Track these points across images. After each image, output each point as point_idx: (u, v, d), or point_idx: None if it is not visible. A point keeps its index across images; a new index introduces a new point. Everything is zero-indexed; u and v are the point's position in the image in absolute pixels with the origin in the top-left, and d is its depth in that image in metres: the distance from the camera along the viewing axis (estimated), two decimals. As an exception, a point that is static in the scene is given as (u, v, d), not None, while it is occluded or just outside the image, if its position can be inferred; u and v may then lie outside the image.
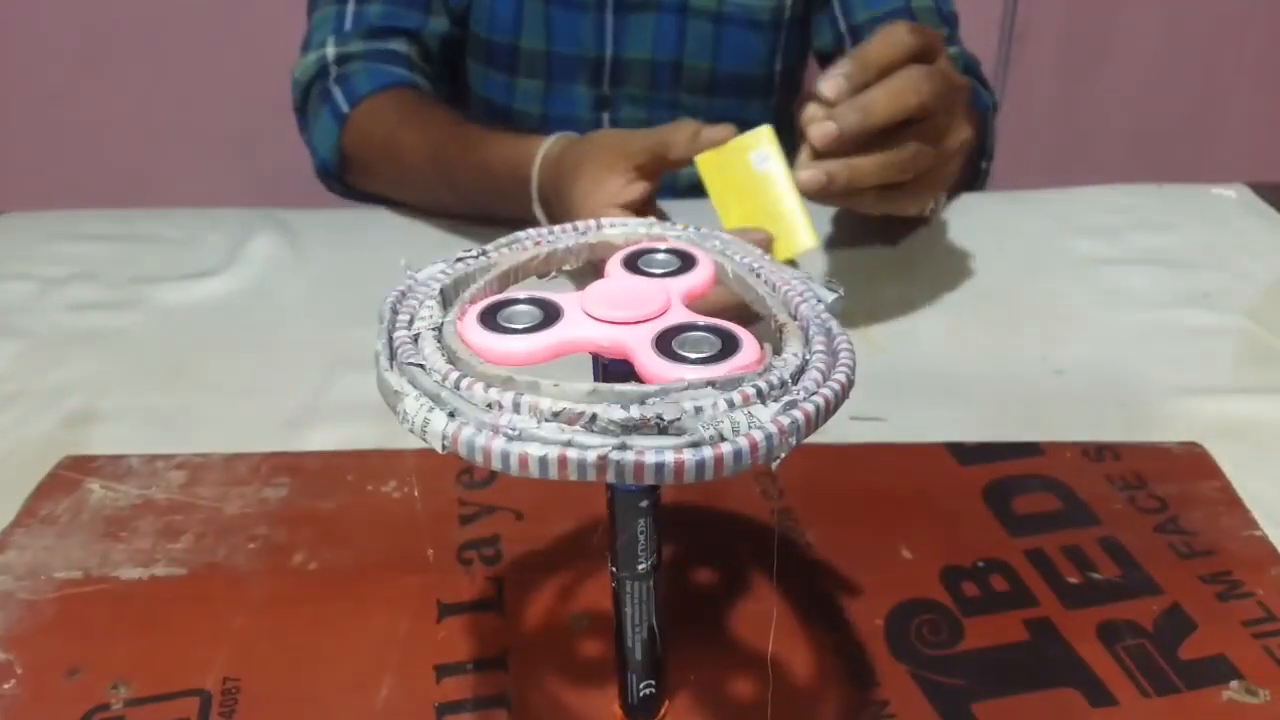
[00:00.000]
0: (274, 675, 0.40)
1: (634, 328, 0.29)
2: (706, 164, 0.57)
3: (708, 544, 0.46)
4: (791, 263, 0.35)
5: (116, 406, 0.57)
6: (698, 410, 0.25)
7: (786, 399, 0.27)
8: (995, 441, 0.53)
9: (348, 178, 0.83)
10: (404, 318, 0.30)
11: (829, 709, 0.39)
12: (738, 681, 0.40)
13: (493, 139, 0.71)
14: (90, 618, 0.43)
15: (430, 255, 0.33)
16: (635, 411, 0.25)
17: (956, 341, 0.63)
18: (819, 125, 0.53)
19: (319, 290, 0.70)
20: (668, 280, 0.32)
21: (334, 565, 0.46)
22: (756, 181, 0.56)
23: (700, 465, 0.25)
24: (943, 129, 0.56)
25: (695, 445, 0.25)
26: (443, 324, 0.30)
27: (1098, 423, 0.55)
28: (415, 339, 0.29)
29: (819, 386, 0.27)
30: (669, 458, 0.25)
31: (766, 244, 0.54)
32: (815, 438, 0.27)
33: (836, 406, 0.27)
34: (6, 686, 0.40)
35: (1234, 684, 0.39)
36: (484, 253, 0.34)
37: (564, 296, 0.31)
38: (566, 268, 0.35)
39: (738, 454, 0.25)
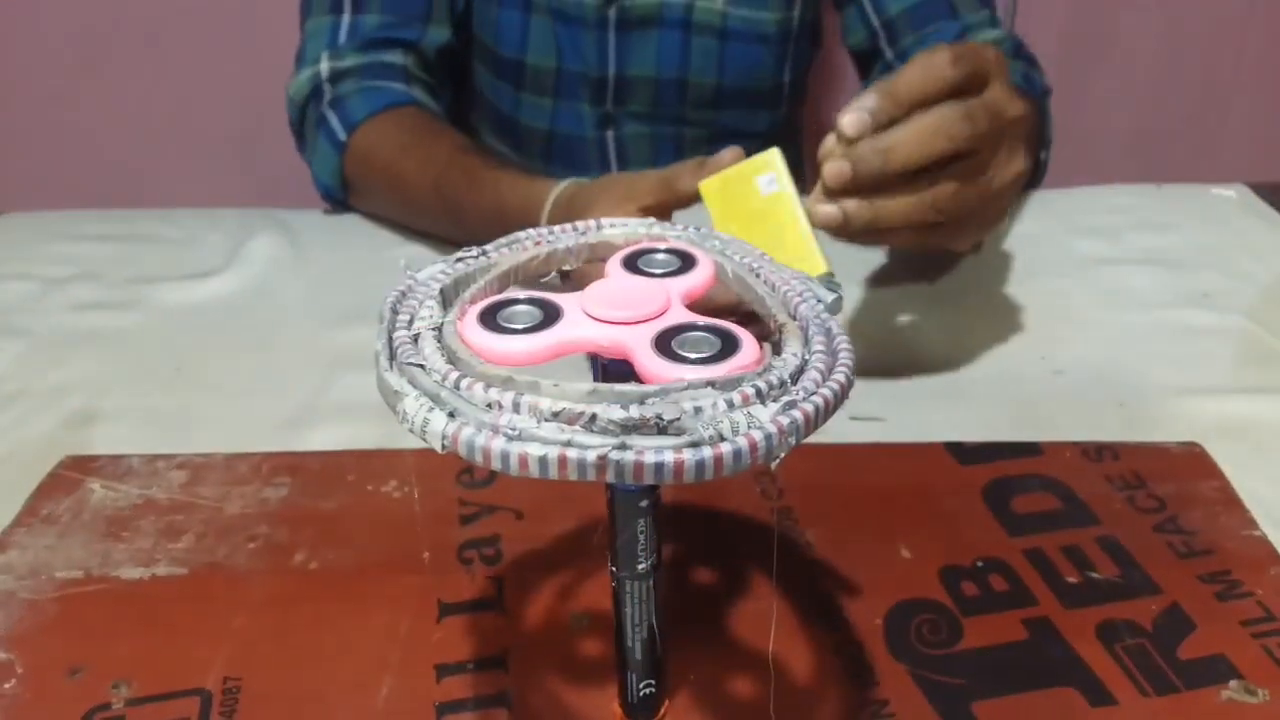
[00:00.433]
0: (274, 675, 0.40)
1: (634, 328, 0.29)
2: (710, 191, 0.54)
3: (708, 544, 0.46)
4: (833, 283, 0.33)
5: (117, 406, 0.58)
6: (697, 410, 0.25)
7: (786, 399, 0.27)
8: (995, 441, 0.53)
9: (351, 201, 0.81)
10: (404, 318, 0.30)
11: (829, 708, 0.39)
12: (738, 681, 0.40)
13: (500, 179, 0.69)
14: (91, 617, 0.43)
15: (430, 255, 0.33)
16: (635, 411, 0.25)
17: (956, 341, 0.63)
18: (833, 164, 0.49)
19: (319, 290, 0.70)
20: (668, 280, 0.32)
21: (334, 565, 0.46)
22: (763, 208, 0.53)
23: (700, 465, 0.25)
24: (986, 165, 0.51)
25: (695, 445, 0.25)
26: (443, 324, 0.30)
27: (1097, 423, 0.55)
28: (415, 339, 0.29)
29: (818, 386, 0.27)
30: (669, 458, 0.25)
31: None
32: (815, 438, 0.27)
33: (836, 406, 0.27)
34: (7, 686, 0.40)
35: (1233, 684, 0.39)
36: (484, 253, 0.34)
37: (564, 296, 0.31)
38: (566, 268, 0.36)
39: (737, 454, 0.25)
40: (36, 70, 1.40)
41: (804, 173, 1.04)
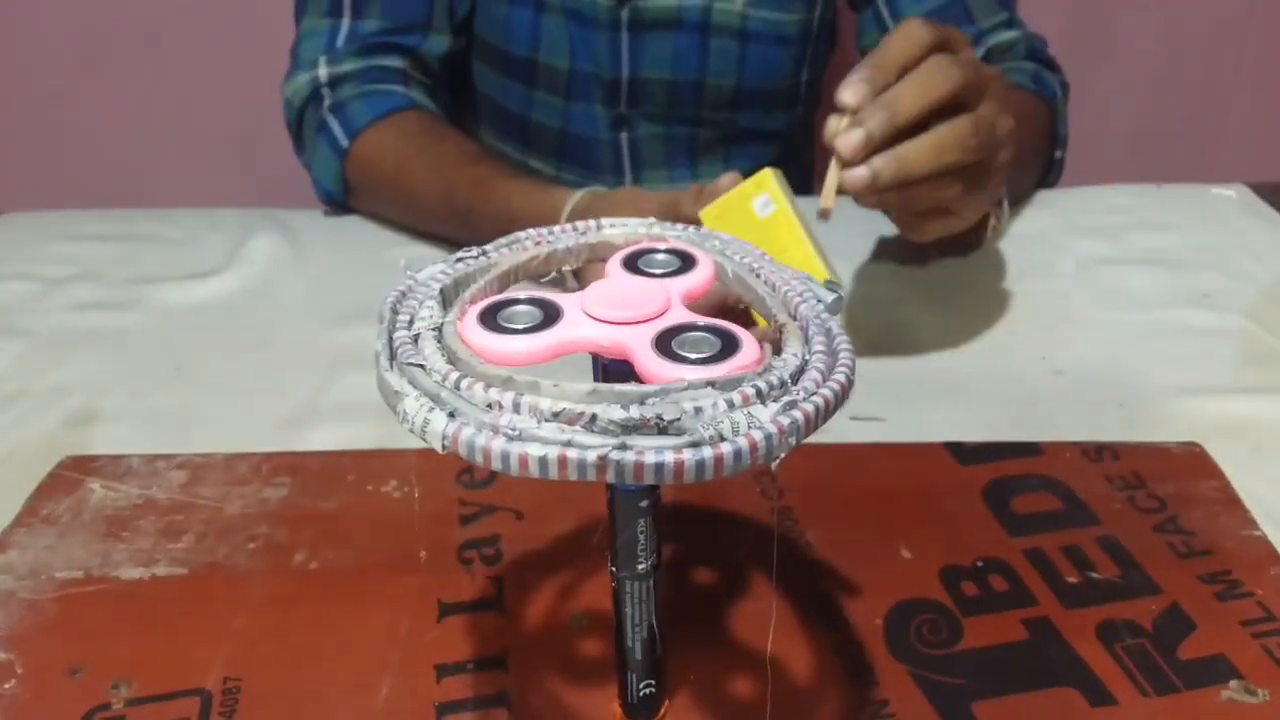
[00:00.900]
0: (274, 675, 0.40)
1: (634, 328, 0.29)
2: (710, 218, 0.55)
3: (708, 544, 0.46)
4: (833, 283, 0.33)
5: (117, 406, 0.58)
6: (697, 410, 0.25)
7: (786, 399, 0.27)
8: (995, 441, 0.53)
9: (352, 204, 0.81)
10: (404, 318, 0.30)
11: (829, 709, 0.39)
12: (737, 681, 0.40)
13: (512, 189, 0.69)
14: (91, 617, 0.43)
15: (430, 255, 0.33)
16: (635, 411, 0.25)
17: (956, 341, 0.63)
18: (845, 136, 0.50)
19: (319, 290, 0.70)
20: (668, 280, 0.32)
21: (334, 565, 0.46)
22: (763, 229, 0.54)
23: (700, 465, 0.25)
24: (983, 113, 0.53)
25: (695, 445, 0.25)
26: (443, 324, 0.30)
27: (1097, 423, 0.55)
28: (415, 339, 0.29)
29: (819, 387, 0.27)
30: (669, 458, 0.25)
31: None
32: (815, 438, 0.27)
33: (836, 407, 0.27)
34: (7, 686, 0.40)
35: (1233, 683, 0.39)
36: (484, 253, 0.34)
37: (564, 296, 0.31)
38: (566, 268, 0.36)
39: (737, 454, 0.25)
40: (36, 70, 1.40)
41: (817, 172, 1.04)
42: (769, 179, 0.54)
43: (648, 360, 0.28)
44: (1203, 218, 0.79)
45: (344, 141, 0.77)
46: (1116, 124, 1.50)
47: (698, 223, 0.55)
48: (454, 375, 0.27)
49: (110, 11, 1.36)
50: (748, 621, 0.42)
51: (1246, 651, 0.41)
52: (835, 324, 0.30)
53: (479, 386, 0.27)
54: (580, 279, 0.48)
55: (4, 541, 0.47)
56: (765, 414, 0.26)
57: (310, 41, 0.81)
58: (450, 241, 0.74)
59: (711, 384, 0.26)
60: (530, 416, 0.26)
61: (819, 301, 0.32)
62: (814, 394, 0.27)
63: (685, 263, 0.33)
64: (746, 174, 0.86)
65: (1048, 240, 0.75)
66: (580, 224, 0.36)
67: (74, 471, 0.51)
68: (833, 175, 0.51)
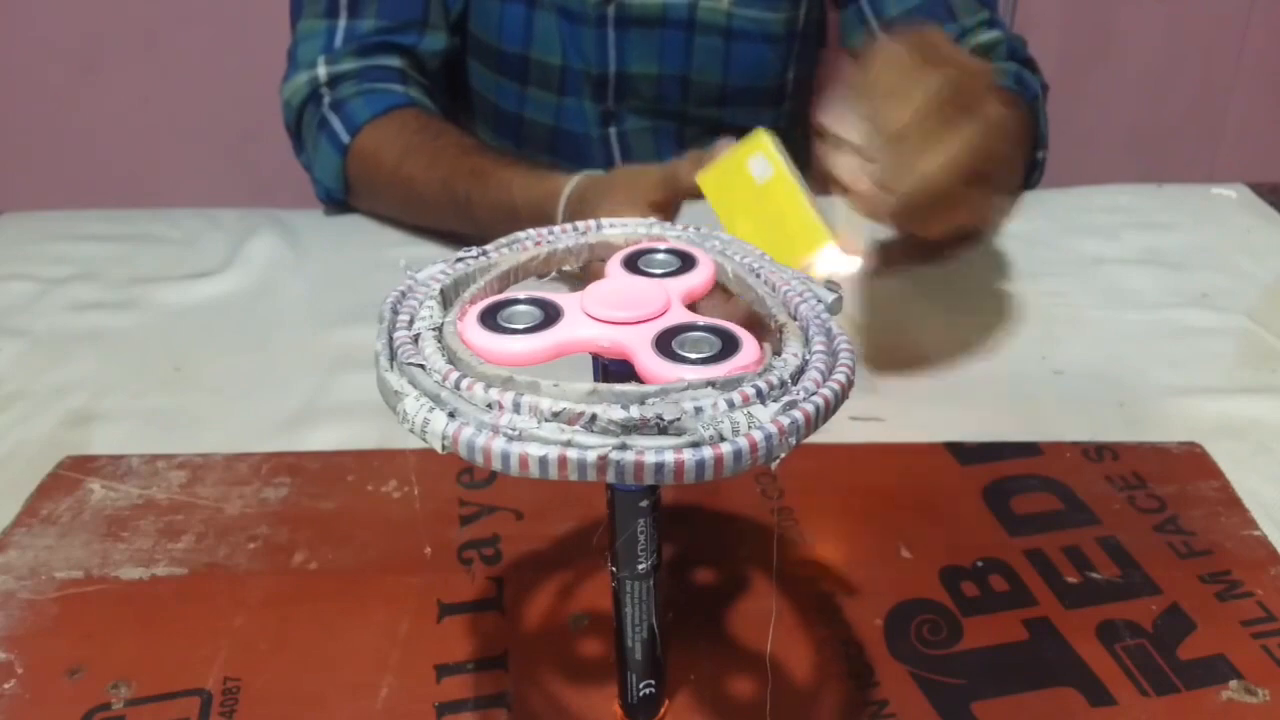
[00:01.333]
0: (274, 675, 0.40)
1: (634, 328, 0.29)
2: (707, 182, 0.55)
3: (708, 544, 0.46)
4: (833, 283, 0.32)
5: (116, 406, 0.58)
6: (698, 410, 0.25)
7: (786, 399, 0.27)
8: (995, 441, 0.53)
9: (353, 202, 0.81)
10: (404, 318, 0.30)
11: (829, 709, 0.39)
12: (737, 681, 0.40)
13: (511, 177, 0.69)
14: (91, 618, 0.43)
15: (430, 255, 0.33)
16: (635, 411, 0.25)
17: (956, 341, 0.63)
18: (866, 197, 0.50)
19: (319, 290, 0.70)
20: (668, 280, 0.32)
21: (334, 565, 0.46)
22: (760, 191, 0.53)
23: (700, 465, 0.25)
24: (992, 120, 0.52)
25: (695, 445, 0.25)
26: (443, 324, 0.30)
27: (1097, 423, 0.55)
28: (415, 339, 0.29)
29: (819, 387, 0.27)
30: (669, 458, 0.25)
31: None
32: (815, 438, 0.27)
33: (836, 407, 0.27)
34: (7, 686, 0.40)
35: (1233, 684, 0.39)
36: (484, 253, 0.34)
37: (564, 296, 0.31)
38: (566, 268, 0.36)
39: (737, 454, 0.25)
40: (36, 70, 1.40)
41: (808, 170, 1.04)
42: (763, 138, 0.53)
43: (648, 360, 0.28)
44: (1203, 218, 0.79)
45: (345, 138, 0.78)
46: (1116, 124, 1.50)
47: (698, 191, 0.56)
48: (454, 375, 0.27)
49: (110, 12, 1.36)
50: (748, 621, 0.42)
51: (1246, 651, 0.41)
52: (835, 324, 0.31)
53: (479, 386, 0.27)
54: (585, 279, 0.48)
55: (4, 541, 0.47)
56: (765, 414, 0.26)
57: (308, 43, 0.81)
58: (450, 233, 0.74)
59: (711, 384, 0.26)
60: (530, 416, 0.26)
61: (819, 301, 0.32)
62: (814, 394, 0.27)
63: (685, 263, 0.33)
64: None
65: (1047, 240, 0.75)
66: (580, 224, 0.36)
67: (74, 471, 0.51)
68: (853, 221, 0.51)
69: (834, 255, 0.53)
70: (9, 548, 0.46)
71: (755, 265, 0.34)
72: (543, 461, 0.25)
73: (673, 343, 0.28)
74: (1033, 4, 1.44)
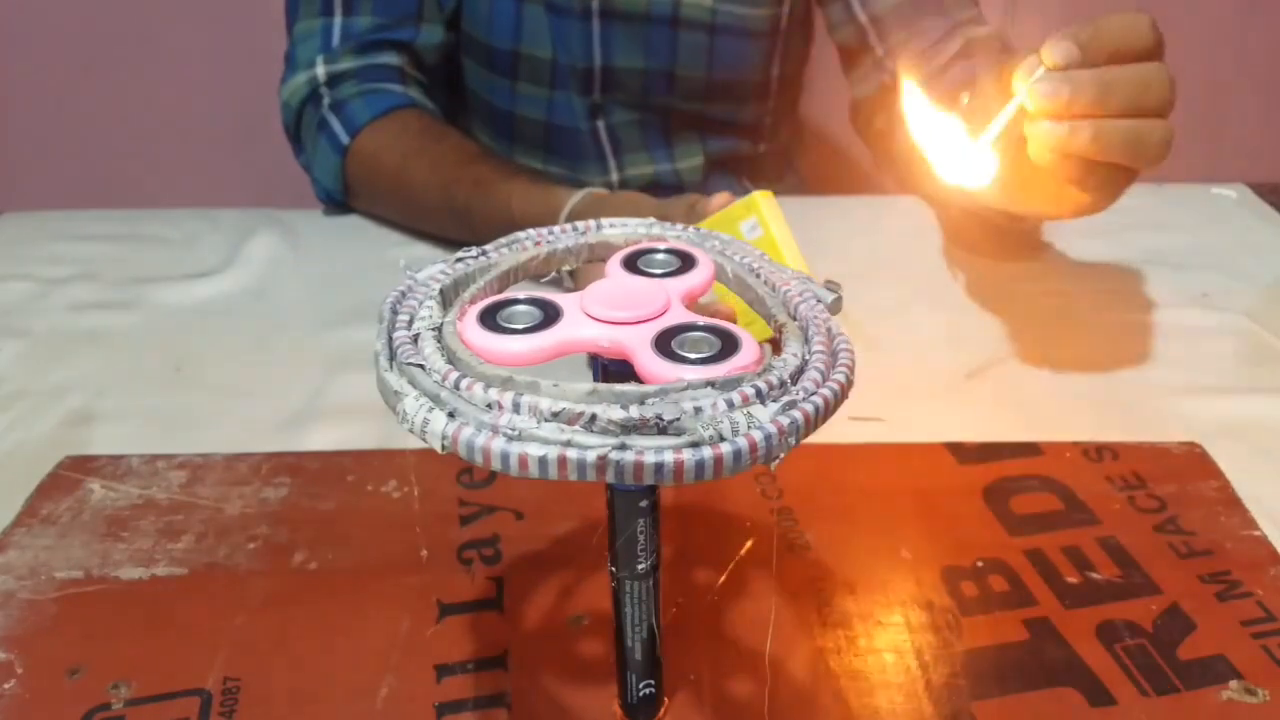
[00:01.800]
0: (274, 675, 0.40)
1: (634, 328, 0.29)
2: None
3: (708, 544, 0.46)
4: (832, 283, 0.33)
5: (116, 406, 0.58)
6: (697, 410, 0.25)
7: (786, 399, 0.27)
8: (995, 441, 0.53)
9: (352, 204, 0.81)
10: (404, 318, 0.30)
11: (829, 709, 0.39)
12: (737, 681, 0.40)
13: (511, 189, 0.69)
14: (91, 618, 0.43)
15: (430, 255, 0.33)
16: (635, 411, 0.25)
17: (956, 341, 0.63)
18: (1044, 87, 0.49)
19: (319, 290, 0.70)
20: (667, 280, 0.32)
21: (334, 565, 0.46)
22: None
23: (700, 465, 0.25)
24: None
25: (695, 445, 0.25)
26: (442, 324, 0.30)
27: (1097, 423, 0.55)
28: (415, 339, 0.29)
29: (818, 387, 0.27)
30: (669, 458, 0.25)
31: (731, 318, 0.52)
32: (815, 438, 0.28)
33: (836, 407, 0.27)
34: (7, 686, 0.40)
35: (1233, 684, 0.39)
36: (484, 253, 0.34)
37: (564, 296, 0.31)
38: (566, 268, 0.36)
39: (737, 454, 0.25)
40: (36, 70, 1.40)
41: (798, 167, 1.04)
42: (759, 203, 0.53)
43: (647, 360, 0.28)
44: (1203, 218, 0.79)
45: (344, 139, 0.78)
46: (1116, 124, 1.50)
47: None
48: (454, 375, 0.27)
49: (110, 11, 1.36)
50: (748, 621, 0.42)
51: (1246, 651, 0.41)
52: (835, 323, 0.31)
53: (479, 386, 0.27)
54: (576, 280, 0.48)
55: (4, 541, 0.47)
56: (765, 414, 0.26)
57: (305, 43, 0.81)
58: (449, 240, 0.74)
59: (711, 384, 0.26)
60: (530, 416, 0.26)
61: (819, 301, 0.32)
62: (814, 394, 0.27)
63: (685, 263, 0.33)
64: (723, 159, 0.85)
65: (1048, 240, 0.75)
66: (580, 224, 0.36)
67: (74, 471, 0.51)
68: (1007, 115, 0.50)
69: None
70: (9, 548, 0.46)
71: (755, 265, 0.34)
72: (542, 461, 0.25)
73: (672, 343, 0.28)
74: (1032, 4, 1.44)
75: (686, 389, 0.26)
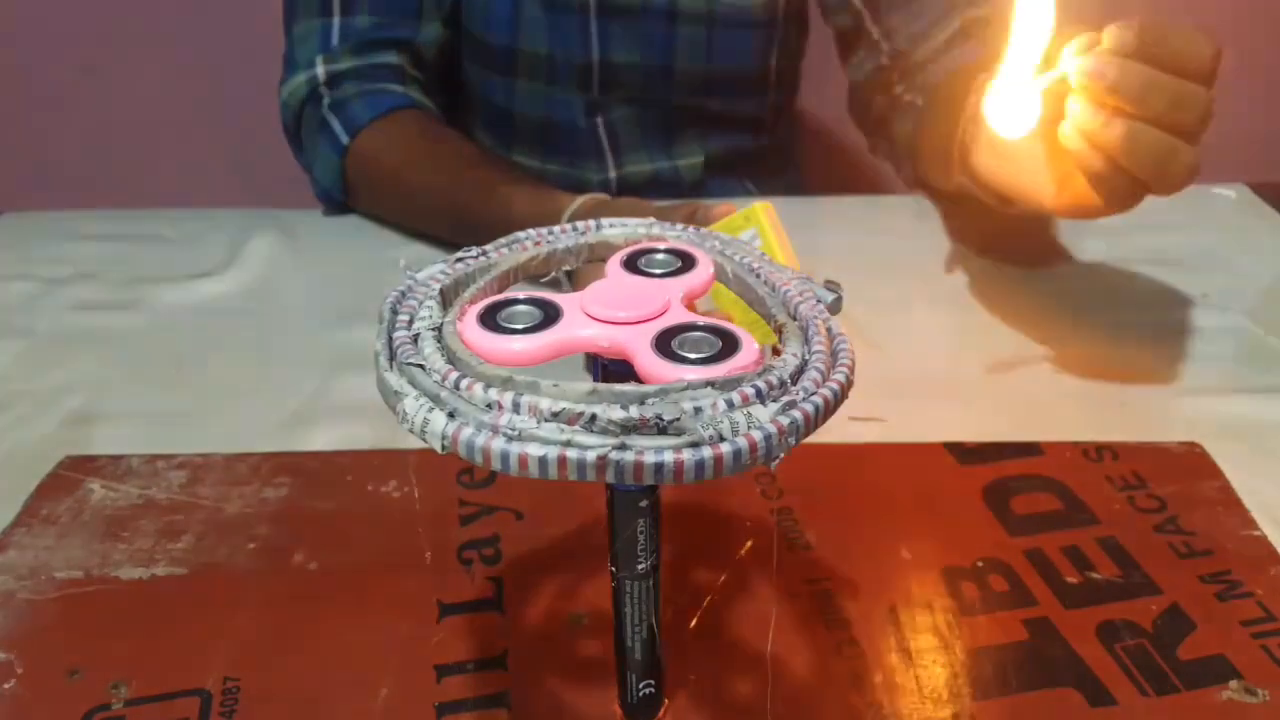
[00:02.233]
0: (274, 675, 0.40)
1: (634, 328, 0.29)
2: None
3: (708, 544, 0.46)
4: (832, 283, 0.33)
5: (116, 406, 0.58)
6: (697, 410, 0.25)
7: (786, 399, 0.27)
8: (995, 441, 0.53)
9: (351, 204, 0.81)
10: (404, 318, 0.30)
11: (829, 709, 0.39)
12: (737, 681, 0.40)
13: (511, 193, 0.69)
14: (91, 618, 0.43)
15: (430, 255, 0.33)
16: (635, 412, 0.25)
17: (956, 341, 0.63)
18: (1093, 64, 0.48)
19: (319, 290, 0.70)
20: (667, 280, 0.32)
21: (334, 565, 0.46)
22: None
23: (700, 465, 0.25)
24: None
25: (695, 445, 0.25)
26: (442, 324, 0.30)
27: (1097, 423, 0.55)
28: (415, 339, 0.29)
29: (818, 387, 0.27)
30: (668, 458, 0.25)
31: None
32: (815, 438, 0.28)
33: (836, 407, 0.27)
34: (6, 686, 0.40)
35: (1233, 684, 0.39)
36: (484, 253, 0.34)
37: (564, 296, 0.31)
38: (566, 268, 0.36)
39: (737, 454, 0.25)
40: (37, 70, 1.40)
41: (797, 161, 1.04)
42: (760, 214, 0.54)
43: (647, 360, 0.28)
44: (1203, 218, 0.79)
45: (344, 139, 0.78)
46: (1116, 124, 1.50)
47: None
48: (453, 375, 0.27)
49: (110, 11, 1.36)
50: (748, 621, 0.42)
51: (1246, 651, 0.41)
52: (835, 324, 0.31)
53: (478, 386, 0.27)
54: (576, 280, 0.48)
55: (4, 541, 0.47)
56: (765, 414, 0.26)
57: (304, 44, 0.81)
58: (449, 243, 0.74)
59: (711, 384, 0.26)
60: (530, 416, 0.26)
61: (819, 301, 0.32)
62: (814, 394, 0.27)
63: (685, 263, 0.33)
64: (722, 156, 0.84)
65: (1048, 240, 0.75)
66: (580, 224, 0.36)
67: (74, 471, 0.51)
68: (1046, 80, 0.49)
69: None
70: (9, 548, 0.46)
71: (755, 265, 0.34)
72: (542, 461, 0.25)
73: (672, 343, 0.28)
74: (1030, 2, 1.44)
75: (686, 389, 0.26)
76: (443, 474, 0.50)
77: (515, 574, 0.45)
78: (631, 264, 0.33)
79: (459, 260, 0.33)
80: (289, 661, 0.41)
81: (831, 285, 0.32)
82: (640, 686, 0.36)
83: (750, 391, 0.26)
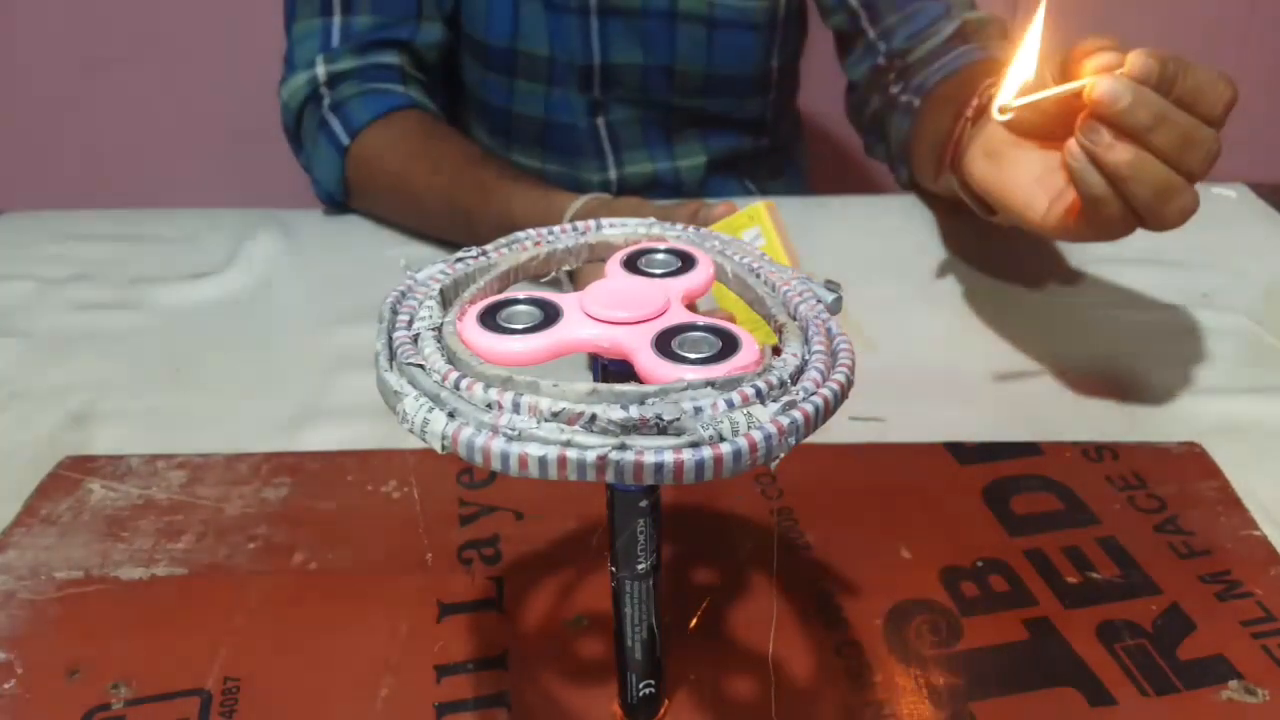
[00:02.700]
0: (274, 675, 0.40)
1: (634, 328, 0.29)
2: None
3: (708, 544, 0.46)
4: (832, 283, 0.33)
5: (116, 406, 0.57)
6: (697, 410, 0.25)
7: (786, 399, 0.27)
8: (995, 441, 0.53)
9: (352, 204, 0.81)
10: (404, 318, 0.30)
11: (829, 709, 0.39)
12: (738, 681, 0.40)
13: (512, 193, 0.69)
14: (91, 618, 0.43)
15: (430, 255, 0.33)
16: (635, 411, 0.25)
17: (956, 341, 0.63)
18: (1110, 86, 0.47)
19: (319, 290, 0.70)
20: (667, 280, 0.32)
21: (334, 565, 0.46)
22: None
23: (700, 465, 0.25)
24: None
25: (694, 445, 0.25)
26: (442, 324, 0.30)
27: (1097, 423, 0.55)
28: (415, 339, 0.29)
29: (818, 387, 0.27)
30: (668, 458, 0.25)
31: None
32: (815, 438, 0.27)
33: (836, 407, 0.27)
34: (7, 686, 0.40)
35: (1233, 684, 0.39)
36: (484, 253, 0.34)
37: (564, 296, 0.31)
38: (566, 268, 0.36)
39: (737, 454, 0.25)
40: (37, 70, 1.40)
41: (799, 162, 1.04)
42: (762, 213, 0.54)
43: (647, 360, 0.28)
44: (1203, 218, 0.78)
45: (345, 140, 0.78)
46: (1116, 124, 1.50)
47: None
48: (453, 375, 0.27)
49: (110, 12, 1.36)
50: (748, 622, 0.42)
51: (1246, 651, 0.41)
52: (835, 324, 0.31)
53: (478, 386, 0.27)
54: (576, 280, 0.48)
55: (4, 541, 0.47)
56: (765, 414, 0.26)
57: (305, 44, 0.81)
58: (450, 243, 0.74)
59: (711, 384, 0.26)
60: (530, 416, 0.26)
61: (819, 301, 0.32)
62: (814, 394, 0.27)
63: (685, 263, 0.33)
64: (723, 157, 0.84)
65: (1048, 240, 0.75)
66: (580, 224, 0.36)
67: (74, 471, 0.51)
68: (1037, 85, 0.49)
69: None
70: (9, 548, 0.46)
71: (755, 265, 0.34)
72: (542, 461, 0.25)
73: (672, 343, 0.28)
74: (1032, 3, 1.44)
75: (686, 389, 0.26)
76: (443, 474, 0.50)
77: (515, 574, 0.45)
78: (631, 264, 0.33)
79: (459, 260, 0.33)
80: (289, 661, 0.41)
81: (831, 285, 0.32)
82: (640, 686, 0.36)
83: (750, 391, 0.26)
